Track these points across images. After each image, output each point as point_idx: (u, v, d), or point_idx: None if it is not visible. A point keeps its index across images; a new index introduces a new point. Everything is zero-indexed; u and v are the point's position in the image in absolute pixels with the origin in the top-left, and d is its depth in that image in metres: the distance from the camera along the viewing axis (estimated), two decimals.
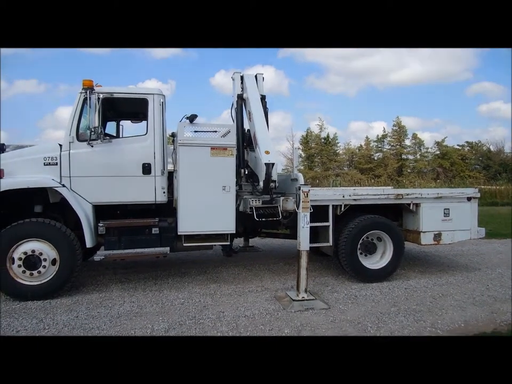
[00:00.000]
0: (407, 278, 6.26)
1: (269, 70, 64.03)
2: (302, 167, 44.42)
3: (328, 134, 51.99)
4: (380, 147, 53.39)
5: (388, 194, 6.18)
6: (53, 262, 5.10)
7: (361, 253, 6.04)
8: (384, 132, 52.71)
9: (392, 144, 52.64)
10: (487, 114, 69.64)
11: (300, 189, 5.15)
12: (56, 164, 5.28)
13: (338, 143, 52.76)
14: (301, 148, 47.89)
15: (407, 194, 6.18)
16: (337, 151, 52.63)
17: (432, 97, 71.15)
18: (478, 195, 6.42)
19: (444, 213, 6.22)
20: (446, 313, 4.73)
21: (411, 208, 6.20)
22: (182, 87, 72.02)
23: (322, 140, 51.51)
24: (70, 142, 5.31)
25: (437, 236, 6.19)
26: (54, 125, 65.83)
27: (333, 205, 5.94)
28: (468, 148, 51.92)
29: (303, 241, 5.08)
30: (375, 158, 52.48)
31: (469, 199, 6.37)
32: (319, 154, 50.29)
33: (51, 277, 5.10)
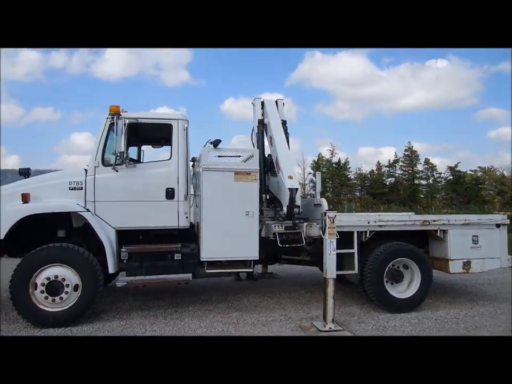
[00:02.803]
0: (436, 308, 6.02)
1: (278, 97, 64.88)
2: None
3: (339, 159, 52.12)
4: (391, 172, 53.19)
5: (414, 220, 6.04)
6: (75, 287, 5.02)
7: (387, 281, 5.85)
8: (396, 156, 52.63)
9: (404, 169, 52.44)
10: (496, 140, 69.56)
11: (325, 215, 5.05)
12: (81, 188, 5.29)
13: (349, 167, 52.78)
14: (319, 173, 48.17)
15: (434, 221, 6.02)
16: (349, 176, 52.55)
17: (440, 122, 71.68)
18: (507, 222, 6.23)
19: (473, 240, 6.02)
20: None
21: (438, 234, 6.03)
22: (193, 114, 73.43)
23: (334, 165, 51.56)
24: (95, 167, 5.34)
25: (466, 264, 5.98)
26: (68, 150, 67.55)
27: (358, 231, 5.80)
28: (480, 173, 51.40)
29: (330, 268, 4.95)
30: (387, 183, 52.22)
31: (497, 225, 6.18)
32: (330, 179, 50.24)
33: (73, 303, 5.01)
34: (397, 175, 52.67)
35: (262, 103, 7.22)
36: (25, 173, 5.62)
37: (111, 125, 5.30)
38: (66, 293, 4.96)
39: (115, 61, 77.30)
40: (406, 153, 51.98)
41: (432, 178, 51.79)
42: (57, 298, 4.94)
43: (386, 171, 53.67)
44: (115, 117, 5.19)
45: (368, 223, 5.87)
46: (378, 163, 54.51)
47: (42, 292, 4.89)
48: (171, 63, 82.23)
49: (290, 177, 5.96)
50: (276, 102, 7.31)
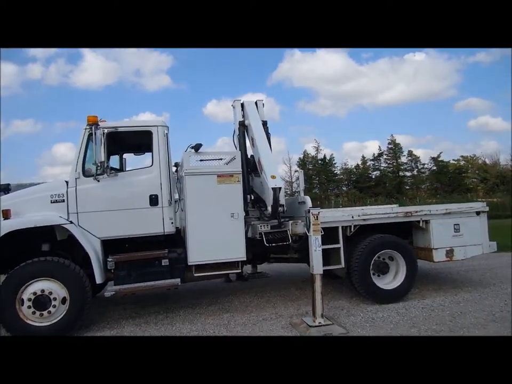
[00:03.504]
0: (422, 297, 6.15)
1: (259, 97, 65.14)
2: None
3: (324, 155, 52.49)
4: (377, 165, 53.78)
5: (397, 213, 6.14)
6: (63, 301, 4.98)
7: (374, 274, 5.95)
8: (380, 150, 53.24)
9: (388, 162, 53.07)
10: (477, 129, 71.05)
11: (309, 212, 5.12)
12: (63, 200, 5.25)
13: (335, 163, 53.20)
14: (302, 170, 48.46)
15: (416, 212, 6.14)
16: (335, 172, 52.96)
17: (422, 115, 72.96)
18: (487, 209, 6.39)
19: (454, 229, 6.17)
20: (468, 332, 4.61)
21: (421, 225, 6.15)
22: (176, 119, 73.13)
23: (320, 162, 51.91)
24: (76, 178, 5.31)
25: (449, 252, 6.12)
26: (50, 161, 66.69)
27: (342, 226, 5.89)
28: (463, 162, 52.34)
29: (316, 264, 5.01)
30: (373, 177, 52.79)
31: (477, 213, 6.33)
32: (317, 175, 50.58)
33: (61, 316, 4.97)
34: (382, 168, 53.29)
35: (242, 104, 7.25)
36: (5, 188, 5.60)
37: (90, 135, 5.26)
38: (54, 306, 4.92)
39: (94, 69, 76.59)
40: (390, 146, 52.62)
41: (416, 169, 52.55)
42: (45, 312, 4.89)
43: (371, 165, 54.28)
44: (93, 127, 5.16)
45: (352, 217, 5.96)
46: (363, 157, 55.19)
47: (29, 307, 4.84)
48: (151, 69, 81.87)
49: (273, 177, 6.00)
50: (256, 103, 7.35)
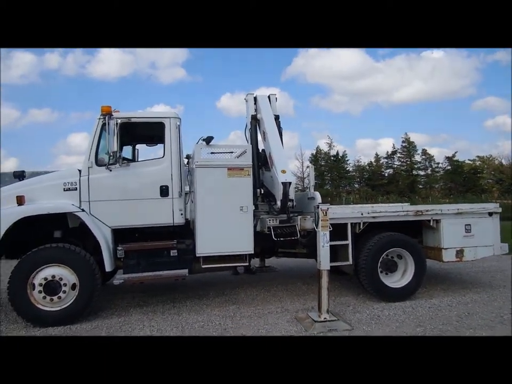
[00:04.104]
0: (430, 297, 6.10)
1: (273, 91, 64.88)
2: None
3: (337, 151, 52.12)
4: (390, 163, 53.23)
5: (407, 211, 6.09)
6: (73, 287, 5.09)
7: (381, 271, 5.93)
8: (394, 148, 52.65)
9: (402, 160, 52.46)
10: (494, 129, 69.73)
11: (318, 208, 5.11)
12: (76, 189, 5.34)
13: (348, 160, 52.80)
14: (313, 166, 48.38)
15: (427, 211, 6.08)
16: (347, 168, 52.58)
17: (438, 113, 71.96)
18: (499, 210, 6.29)
19: (465, 229, 6.09)
20: (475, 333, 4.58)
21: (431, 224, 6.09)
22: (190, 111, 73.38)
23: (332, 158, 51.58)
24: (89, 167, 5.39)
25: (459, 253, 6.06)
26: (66, 151, 67.68)
27: (351, 223, 5.87)
28: (479, 162, 51.45)
29: (324, 260, 5.01)
30: (386, 175, 52.28)
31: (490, 214, 6.24)
32: (329, 172, 50.30)
33: (71, 302, 5.08)
34: (395, 166, 52.74)
35: (255, 98, 7.24)
36: (19, 175, 5.67)
37: (104, 125, 5.33)
38: (64, 292, 5.03)
39: (110, 61, 77.39)
40: (404, 144, 52.01)
41: (430, 168, 51.86)
42: (55, 297, 5.00)
43: (384, 162, 53.74)
44: (107, 117, 5.22)
45: (362, 214, 5.93)
46: (377, 155, 54.63)
47: (40, 292, 4.96)
48: (167, 62, 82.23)
49: (284, 172, 6.00)
50: (269, 97, 7.33)
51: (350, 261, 5.81)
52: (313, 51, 73.56)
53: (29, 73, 76.53)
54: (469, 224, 6.13)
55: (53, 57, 73.77)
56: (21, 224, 5.00)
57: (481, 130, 72.25)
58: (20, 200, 5.06)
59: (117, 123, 5.24)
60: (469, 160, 51.45)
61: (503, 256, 7.54)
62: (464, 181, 47.83)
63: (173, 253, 5.59)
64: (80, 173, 5.42)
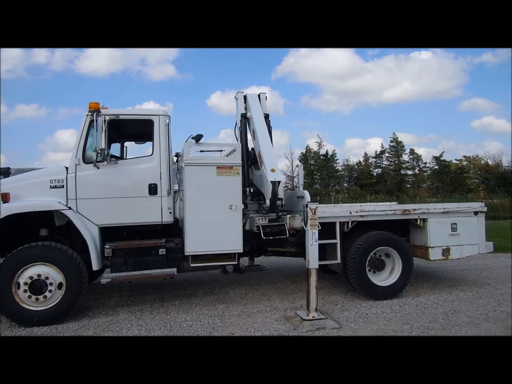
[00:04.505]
0: (417, 295, 6.18)
1: (264, 90, 64.93)
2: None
3: (327, 151, 52.40)
4: (378, 163, 53.70)
5: (395, 210, 6.15)
6: (59, 286, 5.01)
7: (369, 270, 5.97)
8: (382, 147, 53.13)
9: (390, 159, 52.97)
10: (480, 129, 70.91)
11: (307, 206, 5.12)
12: (63, 186, 5.26)
13: (337, 159, 53.12)
14: (302, 165, 48.56)
15: (414, 210, 6.14)
16: (337, 168, 52.90)
17: (426, 113, 72.71)
18: (485, 209, 6.40)
19: (452, 228, 6.18)
20: (460, 331, 4.64)
21: (418, 223, 6.16)
22: (179, 109, 72.96)
23: (322, 157, 51.83)
24: (76, 165, 5.31)
25: (446, 251, 6.14)
26: (54, 147, 66.65)
27: (340, 222, 5.89)
28: (465, 162, 52.21)
29: (312, 259, 5.02)
30: (374, 174, 52.74)
31: (475, 213, 6.34)
32: (318, 171, 50.53)
33: (57, 301, 5.00)
34: (383, 165, 53.22)
35: (245, 97, 7.24)
36: (5, 172, 5.58)
37: (91, 122, 5.26)
38: (50, 291, 4.95)
39: (99, 57, 76.27)
40: (392, 144, 52.50)
41: (418, 168, 52.46)
42: (40, 297, 4.92)
43: (373, 162, 54.21)
44: (95, 114, 5.15)
45: (350, 213, 5.97)
46: (366, 154, 55.04)
47: (25, 291, 4.87)
48: (157, 59, 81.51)
49: (273, 170, 6.01)
50: (259, 95, 7.34)
51: (339, 260, 5.83)
52: (303, 50, 73.69)
53: (16, 68, 75.14)
54: (455, 223, 6.22)
55: (41, 52, 72.44)
56: (6, 222, 4.90)
57: (468, 131, 73.36)
58: (5, 197, 4.97)
59: (105, 120, 5.17)
60: (455, 160, 52.25)
61: (488, 254, 7.68)
62: (451, 181, 48.49)
63: (162, 251, 5.54)
64: (67, 170, 5.34)
